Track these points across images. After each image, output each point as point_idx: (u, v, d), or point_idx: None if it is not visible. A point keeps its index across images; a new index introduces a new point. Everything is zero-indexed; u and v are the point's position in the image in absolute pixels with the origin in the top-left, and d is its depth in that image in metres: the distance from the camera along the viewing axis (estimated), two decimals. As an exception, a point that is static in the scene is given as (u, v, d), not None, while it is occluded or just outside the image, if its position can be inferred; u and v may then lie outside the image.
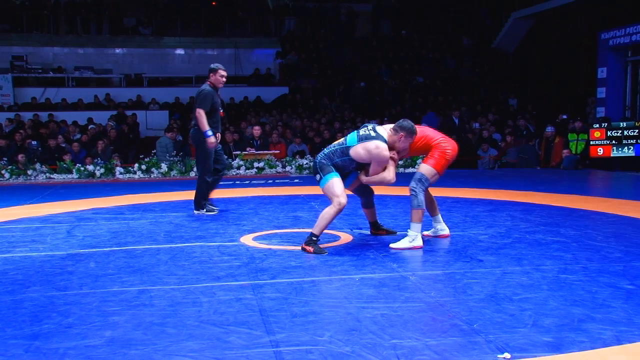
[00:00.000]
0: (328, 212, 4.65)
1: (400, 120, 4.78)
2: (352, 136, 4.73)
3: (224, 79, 6.69)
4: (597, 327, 2.93)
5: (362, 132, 4.70)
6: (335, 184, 4.66)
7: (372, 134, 4.64)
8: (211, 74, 6.63)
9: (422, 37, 21.74)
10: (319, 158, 4.81)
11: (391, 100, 17.29)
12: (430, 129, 5.10)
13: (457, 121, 14.19)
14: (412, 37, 21.78)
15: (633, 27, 12.08)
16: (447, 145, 4.89)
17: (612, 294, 3.46)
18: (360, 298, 3.45)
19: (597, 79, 13.29)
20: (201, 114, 6.46)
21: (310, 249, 4.62)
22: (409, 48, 20.85)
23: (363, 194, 5.13)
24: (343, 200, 4.62)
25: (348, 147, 4.67)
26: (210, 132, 6.45)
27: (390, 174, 4.68)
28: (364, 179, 4.82)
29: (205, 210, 6.70)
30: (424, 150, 4.95)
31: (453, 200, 7.36)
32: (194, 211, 6.74)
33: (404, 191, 5.31)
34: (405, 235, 4.82)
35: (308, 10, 21.88)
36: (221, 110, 6.80)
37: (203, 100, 6.50)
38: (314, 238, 4.67)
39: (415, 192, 4.78)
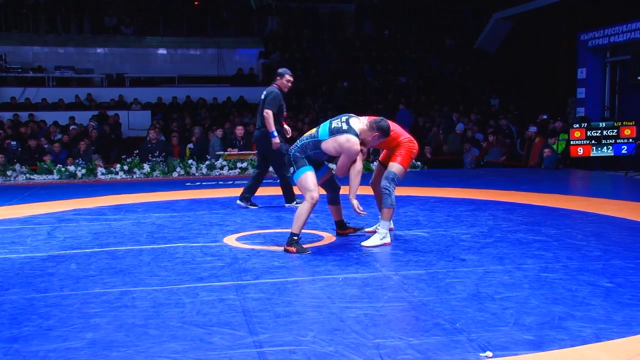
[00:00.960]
0: (302, 208, 4.65)
1: (379, 119, 4.72)
2: (324, 128, 4.68)
3: (290, 84, 6.87)
4: (577, 324, 2.97)
5: (334, 124, 4.65)
6: (309, 178, 4.65)
7: (344, 127, 4.58)
8: (278, 78, 6.82)
9: (404, 37, 21.83)
10: (293, 150, 4.78)
11: (374, 100, 17.34)
12: (398, 126, 5.15)
13: (455, 120, 14.90)
14: (395, 38, 21.86)
15: (611, 28, 12.24)
16: (412, 144, 5.02)
17: (592, 292, 3.51)
18: (344, 298, 3.46)
19: (576, 80, 13.45)
20: (269, 115, 6.61)
21: (293, 249, 4.61)
22: (391, 48, 20.92)
23: (330, 189, 5.10)
24: (315, 194, 4.62)
25: (320, 141, 4.65)
26: (276, 133, 6.61)
27: (359, 164, 4.70)
28: (338, 172, 4.76)
29: (295, 202, 6.88)
30: (391, 146, 5.01)
31: (436, 200, 7.40)
32: (286, 204, 7.01)
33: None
34: (374, 232, 4.91)
35: (291, 10, 21.86)
36: (284, 112, 6.97)
37: (272, 101, 6.66)
38: (294, 237, 4.65)
39: (389, 191, 4.86)
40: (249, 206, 6.98)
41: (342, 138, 4.54)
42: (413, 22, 22.47)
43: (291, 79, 6.84)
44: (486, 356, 2.60)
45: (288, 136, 7.02)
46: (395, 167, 4.91)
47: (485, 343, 2.73)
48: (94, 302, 3.46)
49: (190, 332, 2.94)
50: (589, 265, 4.13)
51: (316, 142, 4.67)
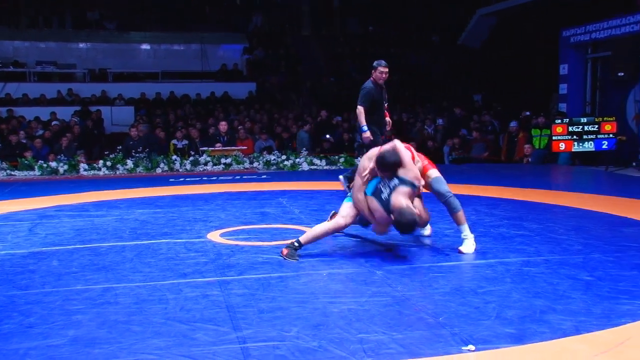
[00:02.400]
0: (323, 227, 4.39)
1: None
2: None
3: (385, 75, 6.75)
4: (558, 317, 3.00)
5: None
6: (346, 205, 4.40)
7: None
8: (372, 71, 6.78)
9: (389, 33, 21.87)
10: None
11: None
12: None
13: (458, 114, 15.19)
14: (380, 34, 21.88)
15: (593, 25, 12.35)
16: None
17: (572, 285, 3.55)
18: (328, 293, 3.47)
19: (559, 76, 13.57)
20: (360, 111, 6.60)
21: (285, 251, 4.32)
22: (376, 44, 20.94)
23: None
24: (343, 222, 4.35)
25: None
26: (365, 128, 6.55)
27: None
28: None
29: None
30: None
31: (419, 195, 7.43)
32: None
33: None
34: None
35: (275, 6, 21.79)
36: (385, 104, 6.87)
37: (362, 97, 6.68)
38: (296, 245, 4.33)
39: (451, 194, 4.53)
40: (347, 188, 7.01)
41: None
42: (398, 18, 22.50)
43: (385, 69, 6.73)
44: (468, 350, 2.62)
45: (388, 129, 6.98)
46: (434, 172, 4.60)
47: (467, 337, 2.76)
48: (76, 299, 3.44)
49: (174, 328, 2.93)
50: (570, 259, 4.18)
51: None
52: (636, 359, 2.50)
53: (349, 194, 4.56)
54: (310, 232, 4.42)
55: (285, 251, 4.35)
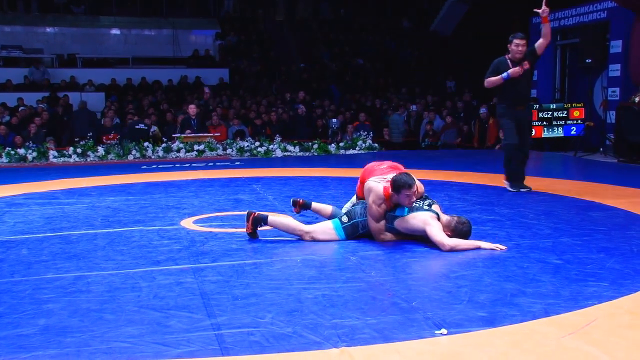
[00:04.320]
0: (290, 227, 4.50)
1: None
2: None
3: (520, 48, 6.56)
4: (528, 301, 3.06)
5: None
6: (328, 230, 4.48)
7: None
8: (508, 45, 6.71)
9: (362, 19, 21.84)
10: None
11: (331, 82, 17.35)
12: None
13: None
14: (352, 20, 21.84)
15: (561, 12, 12.51)
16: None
17: (542, 269, 3.62)
18: (302, 279, 3.48)
19: (529, 62, 13.71)
20: (487, 82, 6.66)
21: (249, 226, 4.46)
22: (349, 31, 20.90)
23: None
24: (307, 238, 4.44)
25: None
26: (505, 74, 6.47)
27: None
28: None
29: (509, 185, 6.70)
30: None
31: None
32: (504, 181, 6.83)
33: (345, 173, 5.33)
34: None
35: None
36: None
37: (488, 70, 6.70)
38: (261, 222, 4.49)
39: None
40: (515, 187, 6.71)
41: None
42: (370, 3, 22.45)
43: (519, 42, 6.55)
44: (441, 333, 2.65)
45: None
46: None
47: (440, 320, 2.79)
48: (46, 287, 3.39)
49: (147, 316, 2.91)
50: (540, 243, 4.26)
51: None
52: (601, 339, 2.56)
53: (342, 221, 4.48)
54: (281, 222, 4.52)
55: (249, 226, 4.46)
